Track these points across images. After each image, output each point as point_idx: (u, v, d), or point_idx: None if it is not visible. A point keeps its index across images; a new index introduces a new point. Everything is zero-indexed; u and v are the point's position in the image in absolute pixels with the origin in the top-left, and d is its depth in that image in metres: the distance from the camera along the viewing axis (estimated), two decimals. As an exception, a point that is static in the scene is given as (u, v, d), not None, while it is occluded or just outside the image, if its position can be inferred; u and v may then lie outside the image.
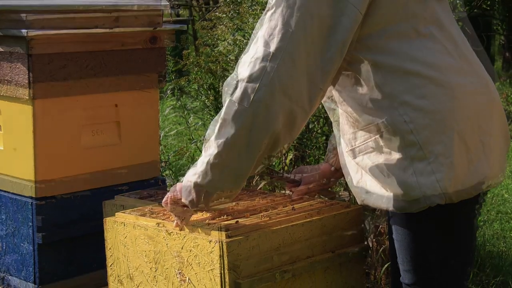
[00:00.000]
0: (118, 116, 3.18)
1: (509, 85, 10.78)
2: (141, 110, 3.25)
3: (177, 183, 2.42)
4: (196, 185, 2.28)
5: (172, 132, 4.64)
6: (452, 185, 2.26)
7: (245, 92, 2.18)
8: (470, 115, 2.29)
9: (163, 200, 2.44)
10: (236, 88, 2.20)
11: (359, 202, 2.46)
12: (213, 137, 2.23)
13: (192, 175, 2.28)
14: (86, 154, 3.10)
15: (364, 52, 2.26)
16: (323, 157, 3.99)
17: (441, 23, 2.33)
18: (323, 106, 2.58)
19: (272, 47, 2.18)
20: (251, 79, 2.18)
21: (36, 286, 3.04)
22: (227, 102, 2.21)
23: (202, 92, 4.10)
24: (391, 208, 2.33)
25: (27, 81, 2.95)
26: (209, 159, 2.23)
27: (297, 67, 2.20)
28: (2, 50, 3.01)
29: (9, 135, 3.08)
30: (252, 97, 2.18)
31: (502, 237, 4.94)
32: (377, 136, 2.30)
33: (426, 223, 2.32)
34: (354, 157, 2.39)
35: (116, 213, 2.62)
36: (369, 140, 2.33)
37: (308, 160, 4.06)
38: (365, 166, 2.36)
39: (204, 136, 2.30)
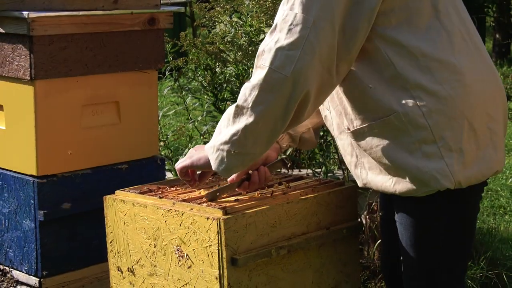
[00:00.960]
0: (117, 96, 3.18)
1: (499, 66, 10.77)
2: (140, 91, 3.24)
3: (193, 155, 2.35)
4: (230, 154, 2.22)
5: (170, 112, 4.64)
6: (461, 170, 2.23)
7: (286, 60, 2.11)
8: (479, 102, 2.26)
9: (181, 169, 2.38)
10: (275, 55, 2.13)
11: (360, 185, 2.42)
12: (248, 105, 2.16)
13: (223, 144, 2.21)
14: (86, 133, 3.10)
15: (383, 28, 2.21)
16: (317, 149, 3.98)
17: (455, 4, 2.30)
18: None
19: (313, 14, 2.12)
20: (292, 47, 2.12)
21: (39, 273, 3.05)
22: (266, 69, 2.13)
23: (199, 73, 4.10)
24: (397, 191, 2.29)
25: (28, 62, 2.94)
26: (245, 126, 2.17)
27: (334, 37, 2.14)
28: (3, 31, 3.00)
29: (10, 115, 3.07)
30: (293, 66, 2.11)
31: (492, 214, 4.96)
32: (385, 117, 2.24)
33: (433, 207, 2.28)
34: (357, 138, 2.32)
35: (116, 191, 2.62)
36: (374, 121, 2.26)
37: (302, 152, 4.06)
38: (369, 148, 2.30)
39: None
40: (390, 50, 2.21)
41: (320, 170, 4.00)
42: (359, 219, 2.69)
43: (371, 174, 2.33)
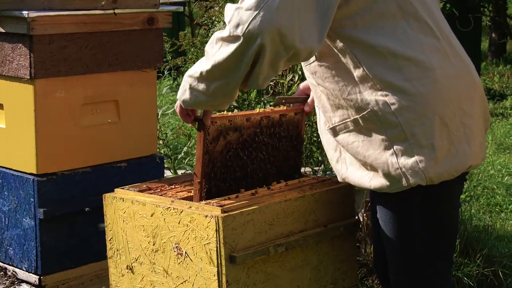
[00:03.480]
0: (116, 95, 3.17)
1: (495, 65, 10.77)
2: (139, 90, 3.23)
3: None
4: (192, 89, 2.30)
5: (169, 111, 4.62)
6: (432, 166, 2.22)
7: (241, 20, 2.13)
8: (452, 98, 2.25)
9: (180, 111, 2.45)
10: (234, 14, 2.15)
11: (339, 180, 2.45)
12: (210, 53, 2.22)
13: (189, 77, 2.30)
14: (85, 132, 3.09)
15: (350, 29, 2.23)
16: (315, 136, 3.98)
17: (424, 2, 2.30)
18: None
19: None
20: (249, 7, 2.13)
21: (39, 271, 3.04)
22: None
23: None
24: (373, 187, 2.31)
25: (28, 61, 2.93)
26: (203, 66, 2.24)
27: (296, 4, 2.13)
28: (3, 31, 2.99)
29: (10, 114, 3.07)
30: (246, 26, 2.12)
31: (488, 211, 4.96)
32: (358, 116, 2.27)
33: (408, 203, 2.30)
34: (335, 135, 2.37)
35: (115, 189, 2.61)
36: (349, 119, 2.30)
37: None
38: (346, 145, 2.33)
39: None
40: (358, 51, 2.23)
41: (318, 168, 3.99)
42: (356, 217, 2.69)
43: (350, 170, 2.37)
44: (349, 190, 2.63)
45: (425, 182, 2.23)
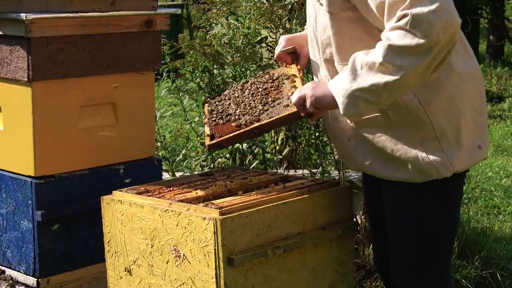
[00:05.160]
0: (114, 98, 3.17)
1: (493, 67, 10.78)
2: (137, 92, 3.23)
3: (315, 88, 2.40)
4: (365, 101, 2.26)
5: (167, 113, 4.62)
6: (459, 160, 2.37)
7: (432, 25, 2.16)
8: (470, 96, 2.40)
9: (298, 99, 2.43)
10: (422, 21, 2.16)
11: (352, 169, 2.52)
12: (394, 64, 2.20)
13: (360, 91, 2.25)
14: (83, 134, 3.09)
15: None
16: (313, 139, 3.98)
17: None
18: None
19: None
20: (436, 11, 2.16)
21: (37, 274, 3.04)
22: (417, 36, 2.17)
23: (197, 74, 4.08)
24: (397, 178, 2.40)
25: (26, 64, 2.93)
26: (387, 81, 2.21)
27: None
28: (1, 33, 2.98)
29: (8, 116, 3.06)
30: (437, 30, 2.16)
31: (486, 213, 4.96)
32: (389, 111, 2.36)
33: (424, 191, 2.40)
34: (359, 126, 2.42)
35: (113, 192, 2.61)
36: (379, 113, 2.37)
37: (299, 140, 4.05)
38: (372, 137, 2.41)
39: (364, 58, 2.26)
40: None
41: (316, 170, 3.99)
42: (354, 219, 2.69)
43: (369, 160, 2.42)
44: (347, 192, 2.63)
45: (451, 173, 2.38)
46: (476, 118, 2.43)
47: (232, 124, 2.57)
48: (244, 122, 2.56)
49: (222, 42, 4.01)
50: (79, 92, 3.07)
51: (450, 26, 2.17)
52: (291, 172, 4.03)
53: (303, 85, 2.58)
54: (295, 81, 2.67)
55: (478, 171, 5.81)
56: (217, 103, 2.75)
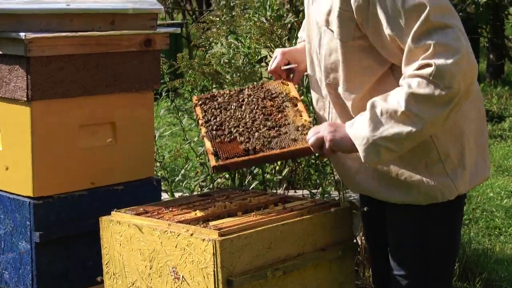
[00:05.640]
0: (114, 117, 3.17)
1: (493, 86, 10.80)
2: (136, 111, 3.23)
3: (334, 131, 2.40)
4: (387, 150, 2.28)
5: (166, 133, 4.62)
6: (463, 182, 2.40)
7: (454, 76, 2.20)
8: (472, 119, 2.43)
9: (316, 140, 2.43)
10: (446, 73, 2.20)
11: (354, 191, 2.52)
12: (418, 114, 2.22)
13: (382, 139, 2.27)
14: (82, 154, 3.08)
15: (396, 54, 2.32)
16: (313, 159, 3.97)
17: None
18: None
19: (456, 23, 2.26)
20: (454, 63, 2.21)
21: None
22: (440, 87, 2.20)
23: (196, 94, 4.09)
24: (399, 201, 2.41)
25: (25, 83, 2.93)
26: (410, 131, 2.23)
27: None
28: (0, 52, 2.99)
29: (7, 136, 3.06)
30: (459, 80, 2.20)
31: (487, 235, 4.95)
32: None
33: (428, 213, 2.42)
34: None
35: (112, 212, 2.61)
36: None
37: (299, 161, 4.05)
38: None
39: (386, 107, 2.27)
40: (397, 73, 2.34)
41: (316, 191, 3.98)
42: (354, 240, 2.68)
43: (373, 183, 2.42)
44: (348, 213, 2.63)
45: (455, 196, 2.40)
46: (478, 140, 2.45)
47: (240, 146, 2.55)
48: (253, 147, 2.54)
49: (222, 61, 4.02)
50: (79, 112, 3.07)
51: (469, 75, 2.22)
52: (291, 192, 4.03)
53: (306, 110, 2.60)
54: (297, 105, 2.67)
55: (479, 192, 5.80)
56: (213, 110, 2.74)
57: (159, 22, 3.35)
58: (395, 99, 2.26)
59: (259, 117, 2.65)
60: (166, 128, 4.94)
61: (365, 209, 2.67)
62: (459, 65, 2.19)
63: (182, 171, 4.15)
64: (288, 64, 2.76)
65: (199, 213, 2.55)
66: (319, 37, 2.46)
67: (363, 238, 3.61)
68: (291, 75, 2.79)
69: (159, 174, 4.11)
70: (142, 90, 3.23)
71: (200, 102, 2.80)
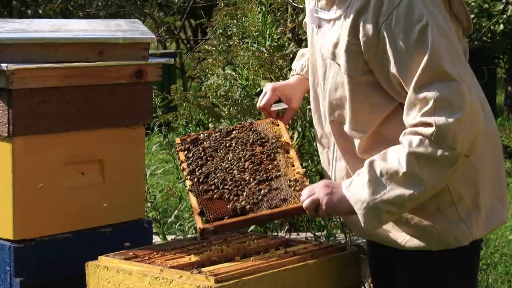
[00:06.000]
0: (101, 154, 3.17)
1: (511, 120, 10.82)
2: (126, 148, 3.24)
3: (331, 193, 2.40)
4: (388, 213, 2.30)
5: (158, 171, 4.63)
6: (478, 226, 2.38)
7: (462, 136, 2.23)
8: (488, 156, 2.41)
9: (310, 203, 2.43)
10: (452, 133, 2.22)
11: (359, 236, 2.50)
12: (420, 175, 2.23)
13: (384, 203, 2.27)
14: (67, 194, 3.08)
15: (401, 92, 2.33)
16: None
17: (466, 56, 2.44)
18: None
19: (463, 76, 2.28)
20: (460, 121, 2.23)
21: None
22: (445, 148, 2.22)
23: (191, 128, 4.10)
24: (409, 247, 2.39)
25: (6, 117, 2.94)
26: (413, 193, 2.25)
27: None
28: (-20, 84, 3.01)
29: (-14, 174, 3.06)
30: (467, 140, 2.23)
31: (506, 281, 4.93)
32: None
33: (446, 261, 2.40)
34: None
35: (99, 257, 2.60)
36: None
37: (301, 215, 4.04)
38: None
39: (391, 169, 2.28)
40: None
41: (320, 233, 3.98)
42: (362, 287, 2.67)
43: (380, 229, 2.39)
44: (355, 258, 2.62)
45: (470, 241, 2.38)
46: (494, 179, 2.43)
47: (228, 206, 2.56)
48: (241, 206, 2.55)
49: (218, 93, 4.04)
50: (63, 149, 3.08)
51: (473, 134, 2.24)
52: (293, 235, 4.02)
53: (297, 159, 2.63)
54: (289, 152, 2.68)
55: (498, 234, 5.79)
56: (197, 160, 2.73)
57: (151, 52, 3.37)
58: (396, 159, 2.27)
59: (248, 167, 2.65)
60: (158, 165, 4.96)
61: (370, 255, 2.66)
62: (461, 123, 2.20)
63: (175, 212, 4.15)
64: (279, 101, 2.77)
65: (193, 258, 2.55)
66: (323, 70, 2.47)
67: (371, 285, 3.60)
68: (281, 113, 2.80)
69: (150, 215, 4.12)
70: (133, 124, 3.24)
71: (183, 148, 2.81)
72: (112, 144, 3.20)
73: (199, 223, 2.53)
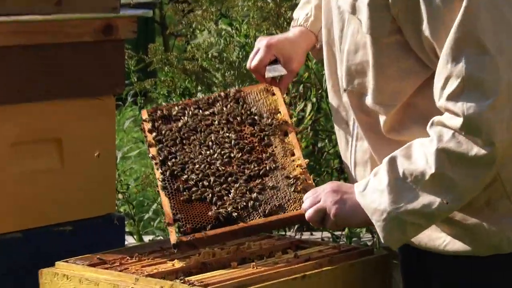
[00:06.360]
0: (59, 132, 3.18)
1: None
2: (91, 124, 3.24)
3: (343, 202, 2.41)
4: (413, 225, 2.32)
5: (132, 153, 4.65)
6: None
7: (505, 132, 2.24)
8: None
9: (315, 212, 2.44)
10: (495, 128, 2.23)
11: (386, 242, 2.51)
12: (453, 177, 2.26)
13: (408, 214, 2.29)
14: (16, 183, 3.09)
15: None
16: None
17: None
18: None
19: None
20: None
21: None
22: (485, 143, 2.23)
23: (174, 99, 4.11)
24: (451, 251, 2.40)
25: None
26: (442, 201, 2.27)
27: None
28: None
29: None
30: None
31: None
32: None
33: (497, 269, 2.41)
34: None
35: (56, 263, 2.61)
36: None
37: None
38: None
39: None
40: None
41: (340, 233, 3.99)
42: (394, 300, 2.69)
43: None
44: (385, 263, 2.63)
45: None
46: None
47: (209, 212, 2.54)
48: (227, 213, 2.53)
49: (210, 55, 4.05)
50: (11, 125, 3.08)
51: None
52: (306, 235, 4.04)
53: (298, 144, 2.62)
54: (287, 134, 2.67)
55: None
56: (169, 143, 2.70)
57: (123, 2, 3.37)
58: (422, 157, 2.28)
59: (235, 156, 2.63)
60: (132, 146, 4.96)
61: (403, 260, 2.68)
62: (496, 110, 2.20)
63: (154, 206, 4.16)
64: (276, 61, 2.76)
65: (177, 264, 2.56)
66: (340, 26, 2.46)
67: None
68: (278, 78, 2.78)
69: (122, 209, 4.13)
70: (100, 94, 3.25)
71: (151, 126, 2.75)
72: (73, 119, 3.20)
73: (172, 236, 2.49)
